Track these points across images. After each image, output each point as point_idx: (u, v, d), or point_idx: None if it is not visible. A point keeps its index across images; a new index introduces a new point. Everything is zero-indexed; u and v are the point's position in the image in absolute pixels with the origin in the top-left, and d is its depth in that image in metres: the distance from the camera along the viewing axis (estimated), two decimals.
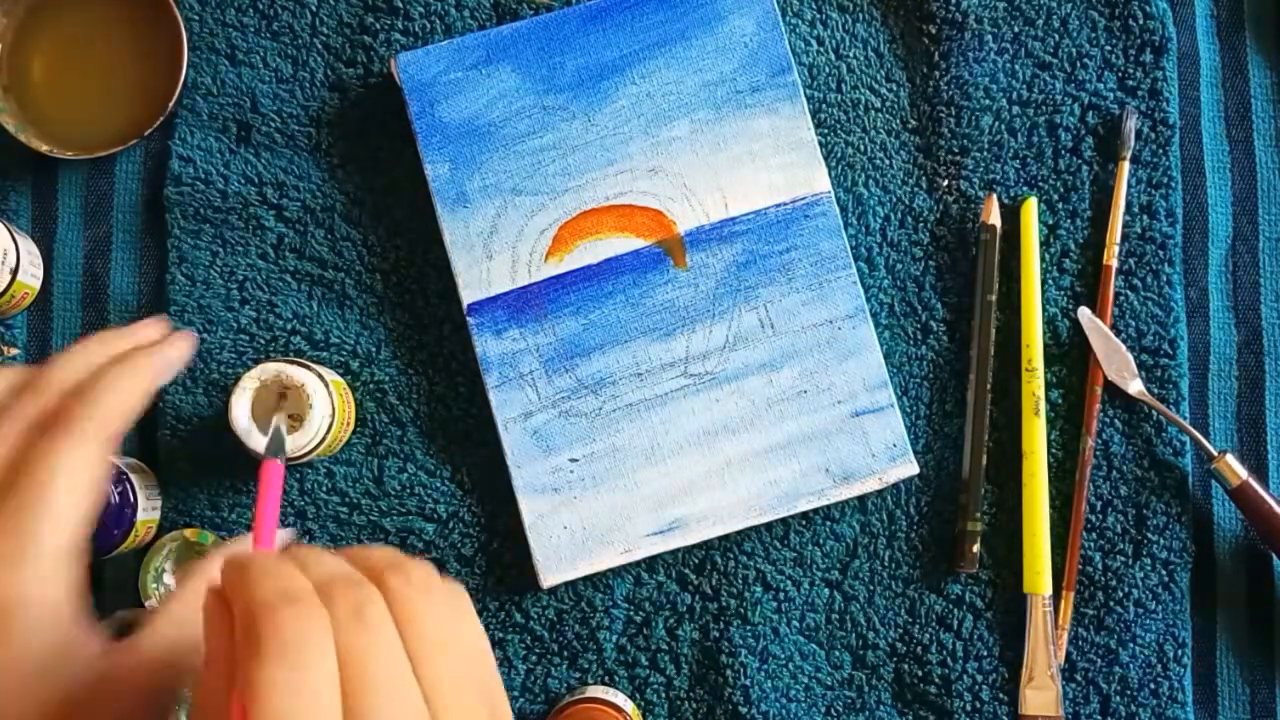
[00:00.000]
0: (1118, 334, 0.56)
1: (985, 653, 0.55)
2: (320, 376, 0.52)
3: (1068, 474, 0.56)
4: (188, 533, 0.52)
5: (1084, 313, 0.56)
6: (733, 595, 0.55)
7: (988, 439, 0.55)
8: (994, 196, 0.56)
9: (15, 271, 0.54)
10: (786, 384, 0.54)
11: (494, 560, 0.55)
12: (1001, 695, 0.55)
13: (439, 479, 0.56)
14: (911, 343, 0.56)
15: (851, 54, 0.57)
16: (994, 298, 0.55)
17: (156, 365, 0.39)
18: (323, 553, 0.33)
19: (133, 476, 0.53)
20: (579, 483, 0.54)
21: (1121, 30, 0.57)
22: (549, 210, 0.55)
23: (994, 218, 0.56)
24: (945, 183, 0.57)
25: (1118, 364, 0.55)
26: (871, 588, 0.55)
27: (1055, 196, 0.57)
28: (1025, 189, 0.57)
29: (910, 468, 0.54)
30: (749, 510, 0.54)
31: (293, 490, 0.55)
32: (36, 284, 0.56)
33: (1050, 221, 0.57)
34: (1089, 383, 0.56)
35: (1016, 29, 0.57)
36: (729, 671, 0.55)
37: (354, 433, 0.56)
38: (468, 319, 0.55)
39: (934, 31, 0.57)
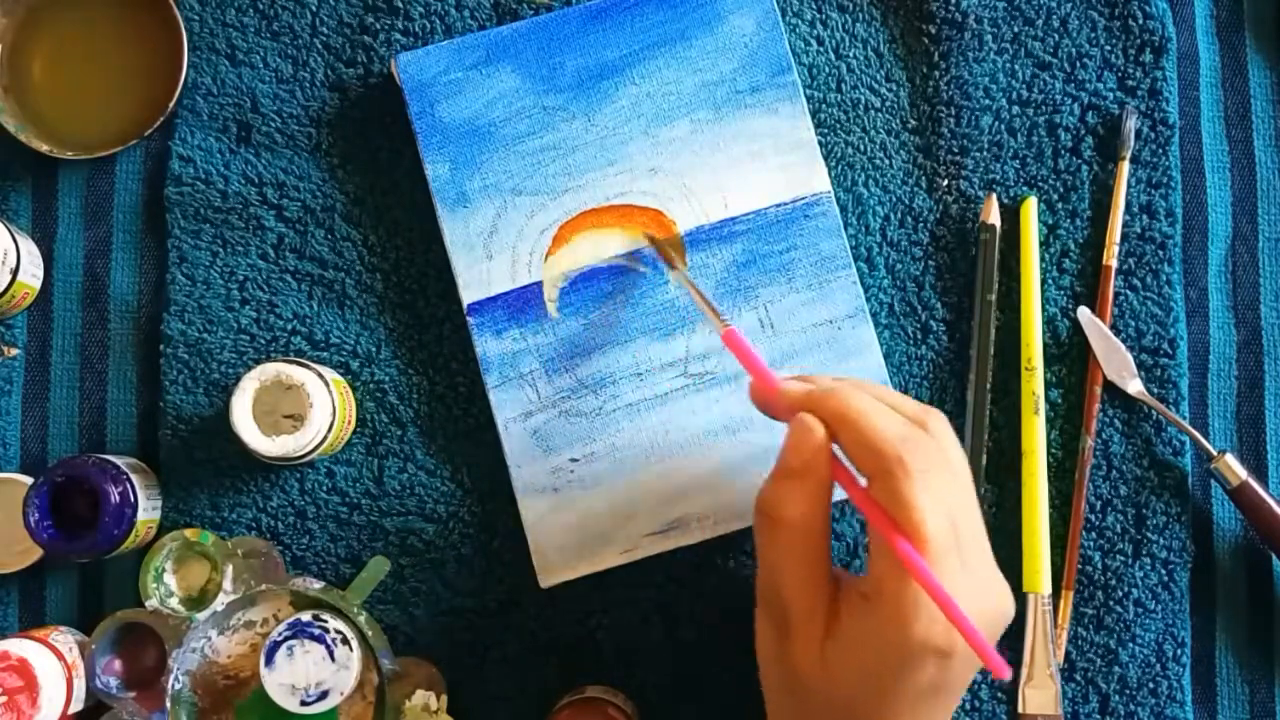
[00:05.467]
0: (1117, 334, 0.56)
1: None
2: (320, 376, 0.52)
3: (1067, 473, 0.56)
4: (188, 533, 0.53)
5: (1084, 312, 0.56)
6: (733, 595, 0.55)
7: (987, 439, 0.55)
8: (994, 196, 0.56)
9: (15, 271, 0.54)
10: None
11: (494, 560, 0.55)
12: (1000, 694, 0.55)
13: (439, 479, 0.56)
14: (911, 343, 0.56)
15: (851, 54, 0.57)
16: (994, 297, 0.55)
17: None
18: (883, 392, 0.44)
19: (133, 476, 0.53)
20: (579, 483, 0.54)
21: (1121, 30, 0.57)
22: (549, 210, 0.55)
23: (994, 217, 0.56)
24: (945, 183, 0.57)
25: (1117, 364, 0.55)
26: None
27: (1055, 196, 0.57)
28: (1025, 189, 0.57)
29: None
30: (749, 510, 0.53)
31: (293, 490, 0.55)
32: (36, 284, 0.57)
33: (1050, 221, 0.57)
34: (1088, 382, 0.56)
35: (1016, 29, 0.57)
36: (728, 672, 0.55)
37: (354, 433, 0.56)
38: (468, 319, 0.55)
39: (934, 31, 0.57)
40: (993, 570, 0.43)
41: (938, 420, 0.44)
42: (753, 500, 0.54)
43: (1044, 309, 0.56)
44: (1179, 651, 0.55)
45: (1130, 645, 0.55)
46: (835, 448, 0.43)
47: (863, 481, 0.42)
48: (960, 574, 0.40)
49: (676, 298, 0.55)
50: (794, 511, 0.42)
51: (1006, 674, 0.39)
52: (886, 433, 0.41)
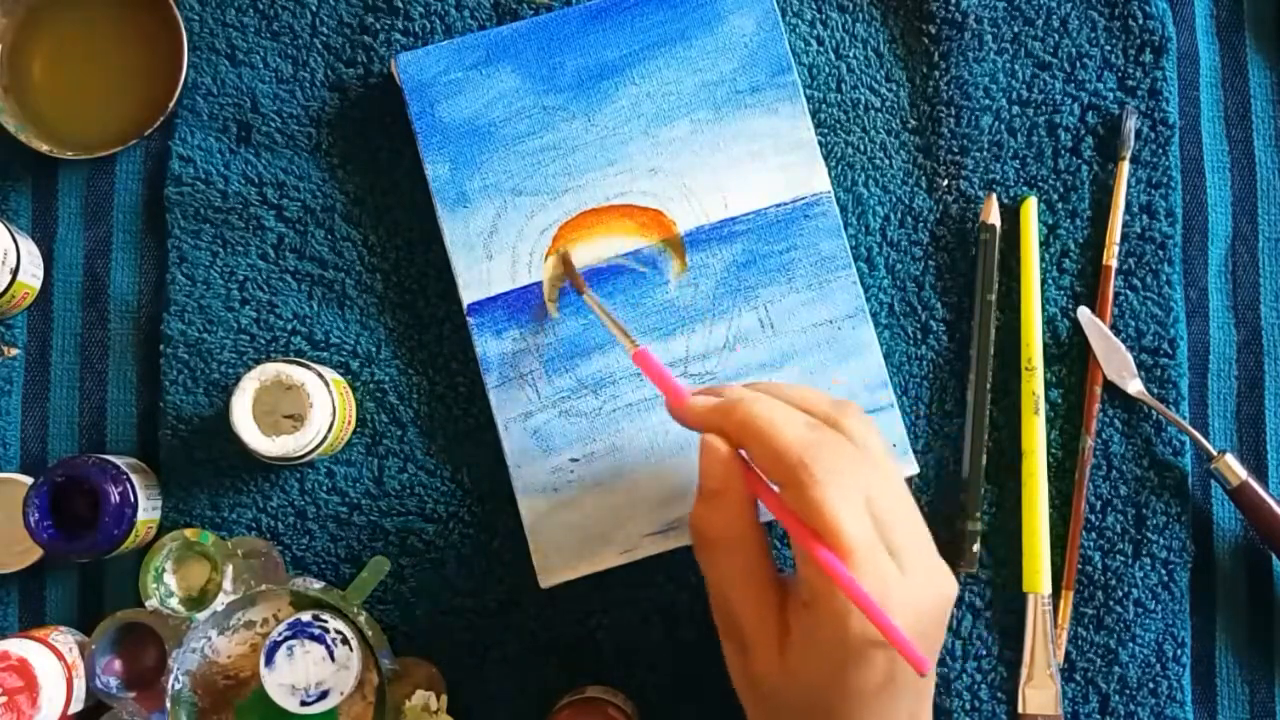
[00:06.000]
0: (1117, 334, 0.56)
1: (984, 652, 0.55)
2: (320, 376, 0.52)
3: (1067, 473, 0.56)
4: (188, 533, 0.53)
5: (1084, 312, 0.56)
6: None
7: (987, 438, 0.55)
8: (994, 196, 0.56)
9: (15, 271, 0.54)
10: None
11: (494, 560, 0.55)
12: (1000, 694, 0.55)
13: (439, 479, 0.56)
14: (911, 343, 0.56)
15: (851, 54, 0.57)
16: (994, 297, 0.55)
17: None
18: (788, 389, 0.45)
19: (133, 476, 0.53)
20: (579, 483, 0.54)
21: (1121, 30, 0.57)
22: (549, 210, 0.55)
23: (994, 217, 0.56)
24: (945, 183, 0.57)
25: (1117, 364, 0.55)
26: None
27: (1055, 196, 0.57)
28: (1025, 189, 0.57)
29: (910, 467, 0.54)
30: None
31: (293, 490, 0.55)
32: (36, 284, 0.57)
33: (1050, 221, 0.57)
34: (1088, 382, 0.56)
35: (1016, 29, 0.57)
36: (728, 672, 0.55)
37: (354, 433, 0.56)
38: (468, 319, 0.55)
39: (934, 31, 0.57)
40: (928, 556, 0.43)
41: (852, 416, 0.44)
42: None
43: (1044, 309, 0.56)
44: (1179, 651, 0.55)
45: (1130, 645, 0.55)
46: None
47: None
48: (889, 567, 0.40)
49: (676, 298, 0.55)
50: (721, 531, 0.43)
51: (925, 668, 0.39)
52: (790, 439, 0.41)
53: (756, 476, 0.43)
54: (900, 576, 0.40)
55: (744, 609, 0.43)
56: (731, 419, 0.43)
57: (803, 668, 0.41)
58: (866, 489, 0.41)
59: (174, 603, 0.52)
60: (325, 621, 0.50)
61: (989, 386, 0.55)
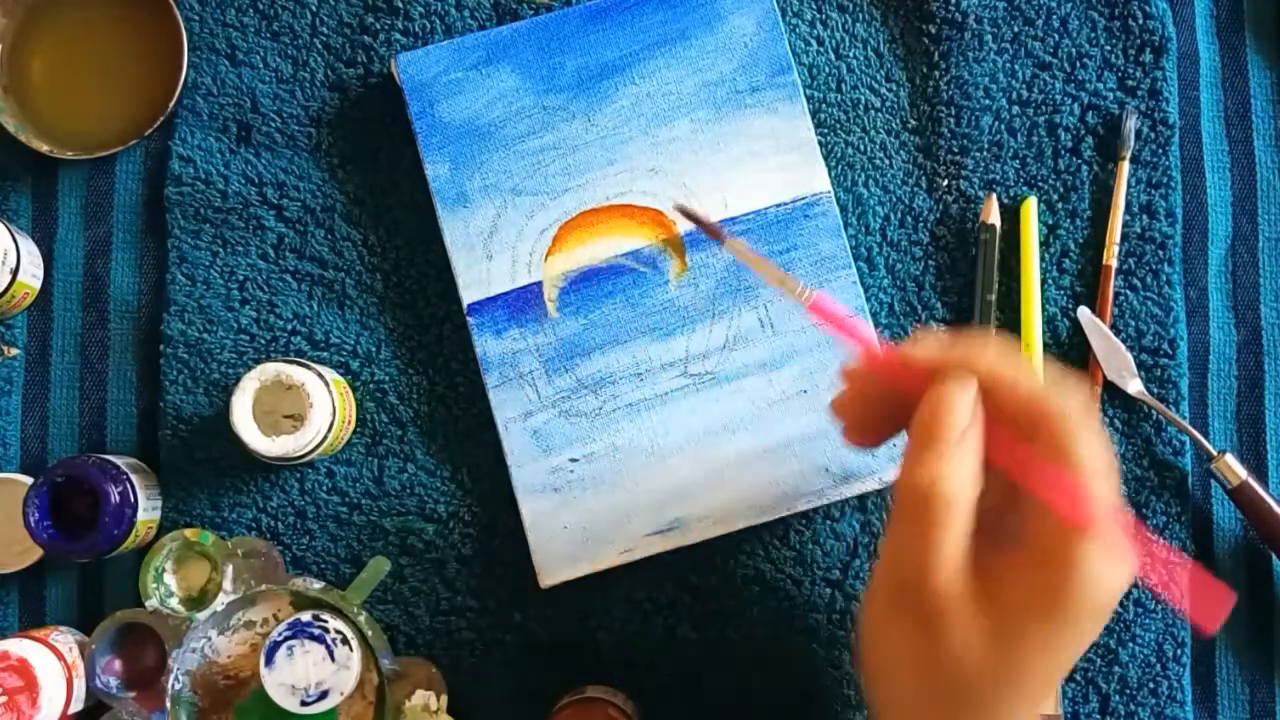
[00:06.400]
0: (1117, 334, 0.56)
1: None
2: (320, 376, 0.52)
3: None
4: (188, 533, 0.53)
5: (1084, 312, 0.56)
6: (732, 595, 0.55)
7: None
8: (994, 196, 0.56)
9: (15, 271, 0.54)
10: (786, 384, 0.54)
11: (494, 560, 0.55)
12: None
13: (439, 479, 0.56)
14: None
15: (851, 54, 0.57)
16: (994, 297, 0.55)
17: None
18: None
19: (133, 476, 0.53)
20: (579, 483, 0.54)
21: (1121, 30, 0.57)
22: (549, 210, 0.55)
23: (994, 217, 0.56)
24: (945, 183, 0.57)
25: (1117, 364, 0.55)
26: None
27: (1055, 196, 0.57)
28: (1025, 189, 0.57)
29: None
30: (749, 510, 0.54)
31: (293, 490, 0.55)
32: (36, 284, 0.57)
33: (1050, 221, 0.57)
34: (1088, 382, 0.56)
35: (1016, 29, 0.57)
36: (729, 672, 0.55)
37: (354, 433, 0.56)
38: (468, 319, 0.55)
39: (934, 31, 0.57)
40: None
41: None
42: (753, 500, 0.54)
43: (1044, 309, 0.56)
44: (1179, 651, 0.55)
45: (1130, 645, 0.55)
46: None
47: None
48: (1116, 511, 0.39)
49: (676, 298, 0.55)
50: (958, 488, 0.38)
51: (1214, 627, 0.39)
52: (1042, 391, 0.39)
53: (997, 426, 0.40)
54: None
55: (953, 578, 0.38)
56: (976, 355, 0.40)
57: (1020, 640, 0.38)
58: (1106, 449, 0.39)
59: (174, 603, 0.52)
60: (325, 621, 0.50)
61: None
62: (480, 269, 0.55)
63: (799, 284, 0.43)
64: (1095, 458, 0.39)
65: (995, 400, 0.40)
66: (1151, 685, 0.55)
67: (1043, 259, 0.57)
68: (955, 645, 0.38)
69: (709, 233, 0.46)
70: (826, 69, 0.57)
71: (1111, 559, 0.38)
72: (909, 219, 0.57)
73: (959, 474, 0.38)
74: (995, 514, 0.40)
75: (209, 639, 0.52)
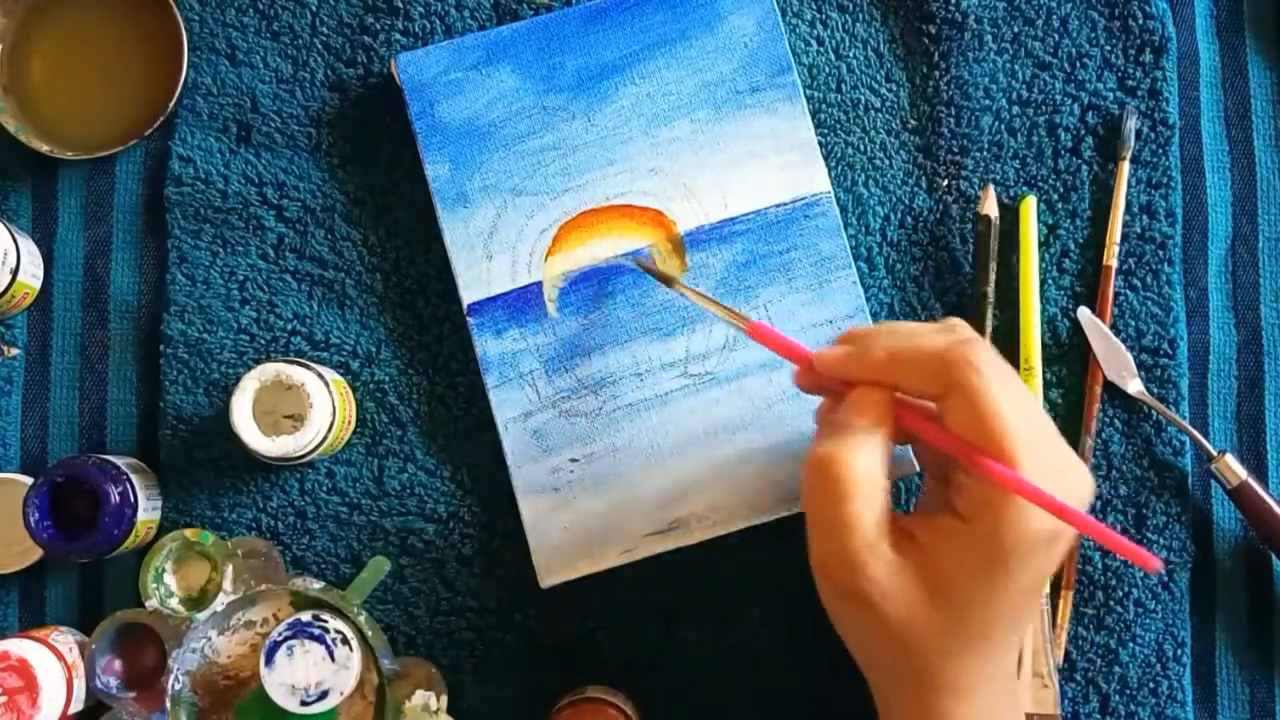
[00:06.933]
0: (1117, 334, 0.56)
1: None
2: (320, 376, 0.52)
3: None
4: (188, 533, 0.52)
5: (1084, 312, 0.56)
6: (732, 595, 0.55)
7: None
8: (991, 187, 0.56)
9: (15, 271, 0.54)
10: (786, 384, 0.54)
11: (494, 560, 0.55)
12: None
13: (439, 479, 0.56)
14: None
15: (851, 54, 0.57)
16: (990, 289, 0.55)
17: None
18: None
19: (133, 476, 0.53)
20: (579, 483, 0.54)
21: (1121, 30, 0.57)
22: (549, 210, 0.55)
23: (991, 209, 0.56)
24: (945, 183, 0.57)
25: (1117, 364, 0.55)
26: None
27: (1055, 196, 0.57)
28: (1025, 189, 0.57)
29: (909, 467, 0.54)
30: (749, 510, 0.54)
31: (293, 490, 0.55)
32: (36, 284, 0.57)
33: (1050, 221, 0.57)
34: (1088, 382, 0.56)
35: (1016, 29, 0.57)
36: (729, 672, 0.55)
37: (354, 433, 0.56)
38: (468, 319, 0.55)
39: (934, 31, 0.57)
40: (1066, 448, 0.43)
41: (962, 322, 0.44)
42: (753, 500, 0.54)
43: (1044, 309, 0.56)
44: (1179, 651, 0.55)
45: (1130, 645, 0.55)
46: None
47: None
48: (1048, 458, 0.40)
49: (677, 298, 0.55)
50: (865, 472, 0.41)
51: (1158, 565, 0.40)
52: (941, 344, 0.41)
53: (908, 405, 0.43)
54: (1061, 475, 0.41)
55: (871, 552, 0.41)
56: (875, 355, 0.43)
57: (948, 588, 0.41)
58: (1014, 387, 0.41)
59: (174, 603, 0.52)
60: (325, 621, 0.50)
61: None
62: (480, 269, 0.55)
63: (748, 317, 0.47)
64: (1003, 410, 0.40)
65: (903, 378, 0.42)
66: (1151, 685, 0.55)
67: (1043, 259, 0.57)
68: (896, 616, 0.41)
69: (660, 279, 0.53)
70: (826, 69, 0.57)
71: (1025, 506, 0.40)
72: (909, 219, 0.57)
73: (860, 461, 0.41)
74: (931, 495, 0.44)
75: (209, 639, 0.52)
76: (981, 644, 0.42)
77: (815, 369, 0.45)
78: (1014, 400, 0.40)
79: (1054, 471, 0.40)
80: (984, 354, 0.41)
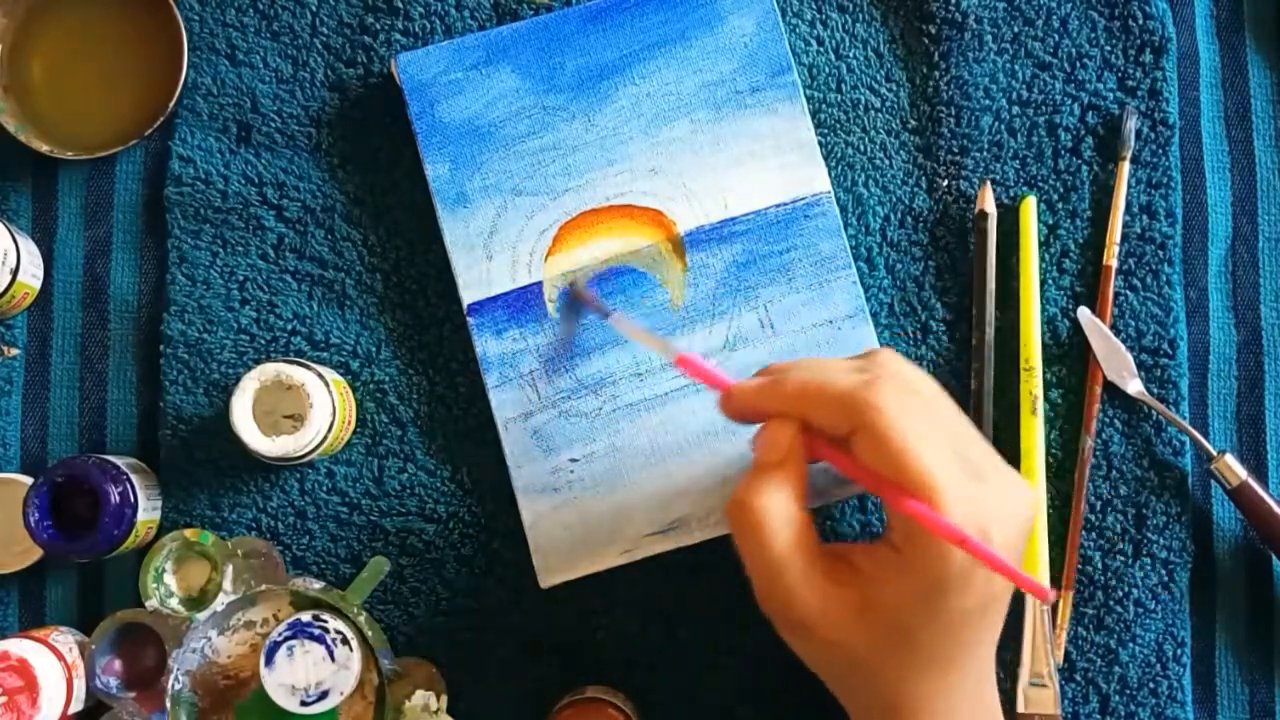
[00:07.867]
0: (1117, 334, 0.56)
1: None
2: (320, 376, 0.52)
3: (1067, 474, 0.56)
4: (188, 533, 0.53)
5: (1083, 313, 0.56)
6: (732, 595, 0.55)
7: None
8: (988, 184, 0.56)
9: (15, 271, 0.54)
10: None
11: (494, 560, 0.55)
12: (999, 694, 0.55)
13: (439, 479, 0.56)
14: (911, 343, 0.56)
15: (851, 54, 0.57)
16: (991, 286, 0.55)
17: None
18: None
19: (133, 476, 0.53)
20: (579, 483, 0.54)
21: (1121, 30, 0.57)
22: (549, 210, 0.55)
23: (988, 205, 0.56)
24: (945, 183, 0.57)
25: (1117, 364, 0.55)
26: None
27: (1055, 196, 0.57)
28: (1025, 189, 0.57)
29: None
30: None
31: (293, 490, 0.56)
32: (36, 284, 0.57)
33: (1050, 221, 0.57)
34: (1088, 382, 0.56)
35: (1016, 29, 0.57)
36: (728, 672, 0.55)
37: (354, 433, 0.56)
38: (468, 319, 0.55)
39: (934, 31, 0.57)
40: (1001, 468, 0.43)
41: (885, 355, 0.44)
42: None
43: (1044, 309, 0.56)
44: (1179, 651, 0.55)
45: (1130, 645, 0.55)
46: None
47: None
48: (974, 489, 0.41)
49: (676, 298, 0.55)
50: (779, 508, 0.42)
51: (1050, 596, 0.41)
52: (848, 384, 0.42)
53: (823, 442, 0.44)
54: (987, 496, 0.41)
55: (804, 585, 0.42)
56: (785, 389, 0.43)
57: (890, 616, 0.41)
58: (929, 413, 0.42)
59: (174, 603, 0.52)
60: (325, 621, 0.50)
61: (990, 382, 0.55)
62: (480, 269, 0.55)
63: (672, 349, 0.49)
64: (913, 446, 0.40)
65: (812, 416, 0.43)
66: (1151, 685, 0.55)
67: (1043, 259, 0.57)
68: (842, 643, 0.42)
69: (595, 310, 0.54)
70: (826, 69, 0.57)
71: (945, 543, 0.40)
72: (909, 219, 0.57)
73: (772, 499, 0.42)
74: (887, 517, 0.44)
75: (209, 639, 0.52)
76: (936, 665, 0.43)
77: (733, 399, 0.45)
78: (921, 433, 0.40)
79: (970, 499, 0.40)
80: (888, 393, 0.41)
